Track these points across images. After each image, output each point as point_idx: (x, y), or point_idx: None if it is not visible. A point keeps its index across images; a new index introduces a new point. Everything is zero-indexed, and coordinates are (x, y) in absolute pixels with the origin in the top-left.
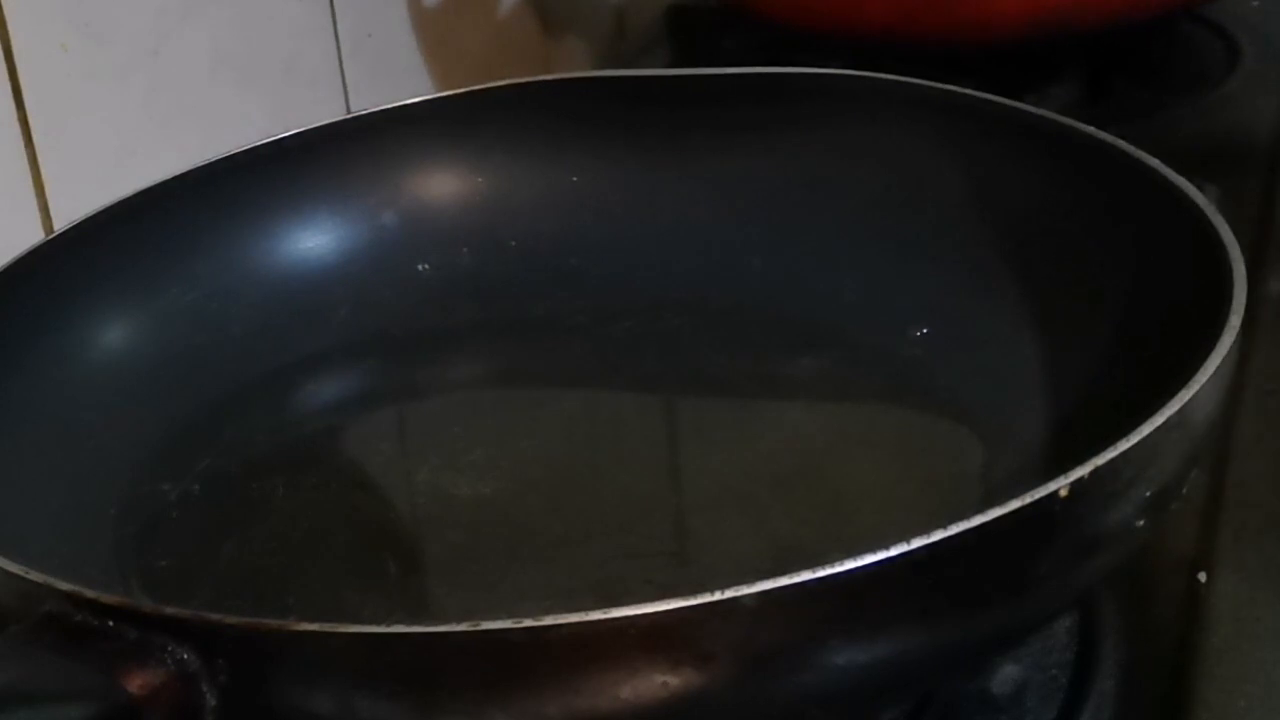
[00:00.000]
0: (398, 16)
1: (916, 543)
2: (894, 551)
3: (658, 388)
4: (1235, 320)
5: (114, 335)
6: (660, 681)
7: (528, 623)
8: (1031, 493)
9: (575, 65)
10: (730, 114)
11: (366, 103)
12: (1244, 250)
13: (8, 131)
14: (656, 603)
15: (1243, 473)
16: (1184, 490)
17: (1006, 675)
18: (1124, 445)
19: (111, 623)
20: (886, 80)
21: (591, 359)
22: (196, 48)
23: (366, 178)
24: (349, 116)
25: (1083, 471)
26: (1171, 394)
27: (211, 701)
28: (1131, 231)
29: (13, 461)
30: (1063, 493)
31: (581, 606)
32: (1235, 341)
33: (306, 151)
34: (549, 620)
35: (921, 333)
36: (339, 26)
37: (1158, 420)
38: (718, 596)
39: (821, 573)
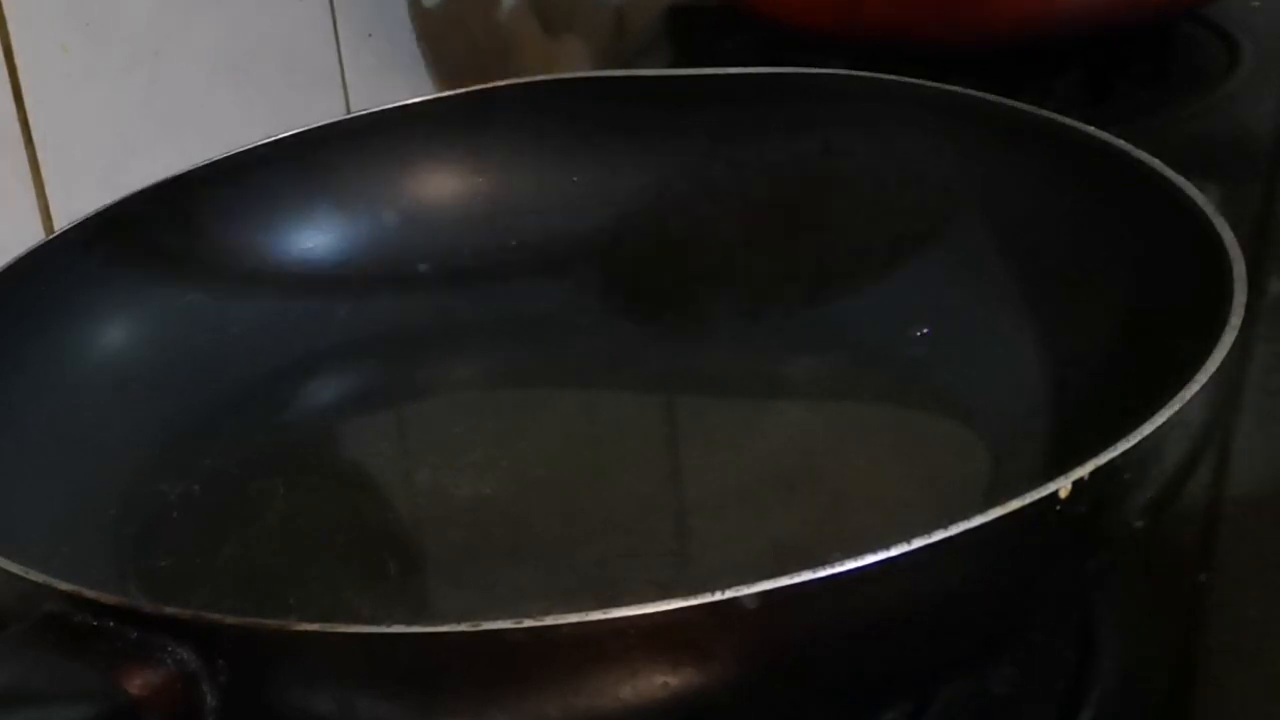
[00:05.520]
0: (398, 16)
1: (916, 543)
2: (894, 551)
3: (658, 388)
4: (1235, 320)
5: (114, 335)
6: (660, 681)
7: (528, 623)
8: (1031, 493)
9: (575, 65)
10: (730, 114)
11: (366, 103)
12: (1244, 250)
13: (8, 131)
14: (656, 603)
15: (1243, 473)
16: (1184, 490)
17: (1006, 675)
18: (1124, 445)
19: (111, 623)
20: (886, 80)
21: (591, 359)
22: (196, 48)
23: (366, 178)
24: (349, 116)
25: (1083, 471)
26: (1171, 394)
27: (211, 701)
28: (1131, 232)
29: (13, 461)
30: (1063, 493)
31: (581, 606)
32: (1235, 341)
33: (306, 151)
34: (549, 620)
35: (922, 333)
36: (339, 26)
37: (1158, 420)
38: (718, 596)
39: (821, 573)
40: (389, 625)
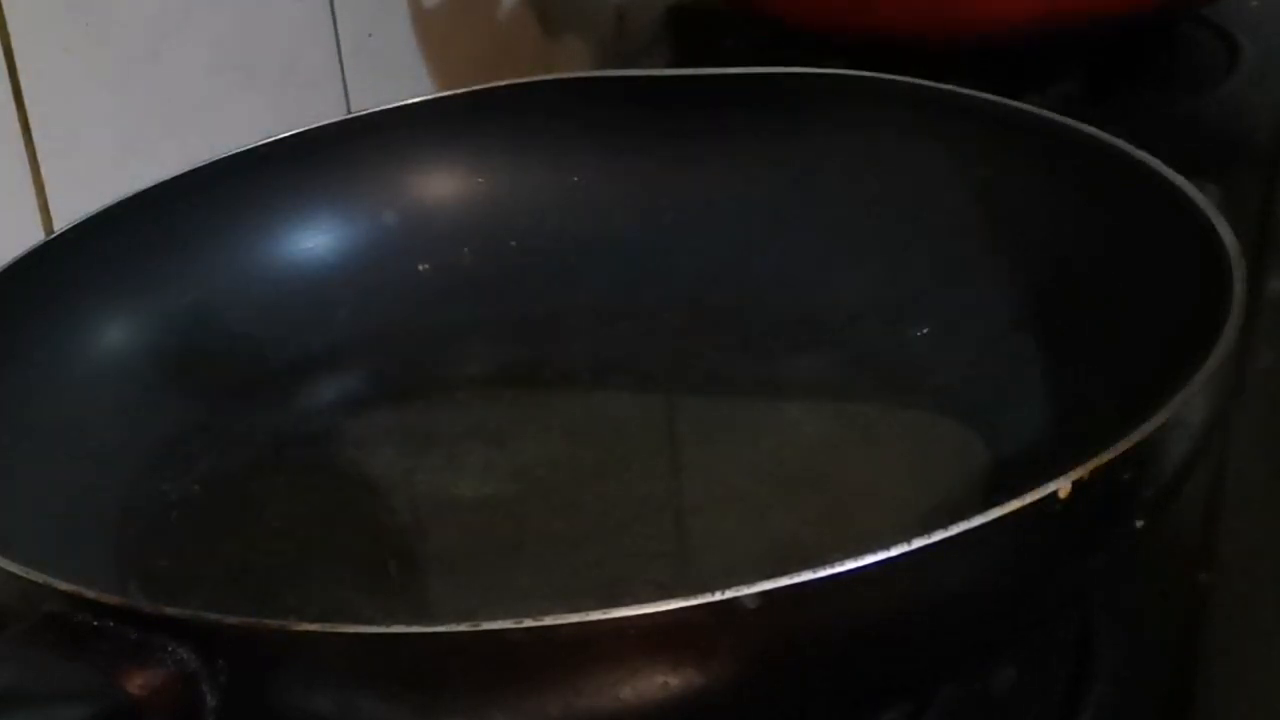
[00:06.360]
0: (398, 16)
1: (917, 543)
2: (894, 551)
3: (658, 388)
4: (1235, 320)
5: (114, 335)
6: (660, 681)
7: (528, 623)
8: (1031, 493)
9: (575, 65)
10: (730, 114)
11: (366, 103)
12: (1244, 250)
13: (8, 131)
14: (656, 603)
15: (1243, 473)
16: (1184, 490)
17: (1006, 676)
18: (1124, 445)
19: (111, 623)
20: (886, 80)
21: (592, 359)
22: (196, 48)
23: (366, 178)
24: (349, 116)
25: (1083, 471)
26: (1171, 394)
27: (211, 701)
28: (1131, 232)
29: (13, 461)
30: (1063, 493)
31: (581, 606)
32: (1235, 341)
33: (306, 151)
34: (549, 620)
35: (921, 333)
36: (339, 26)
37: (1158, 420)
38: (718, 596)
39: (821, 573)
40: (389, 625)
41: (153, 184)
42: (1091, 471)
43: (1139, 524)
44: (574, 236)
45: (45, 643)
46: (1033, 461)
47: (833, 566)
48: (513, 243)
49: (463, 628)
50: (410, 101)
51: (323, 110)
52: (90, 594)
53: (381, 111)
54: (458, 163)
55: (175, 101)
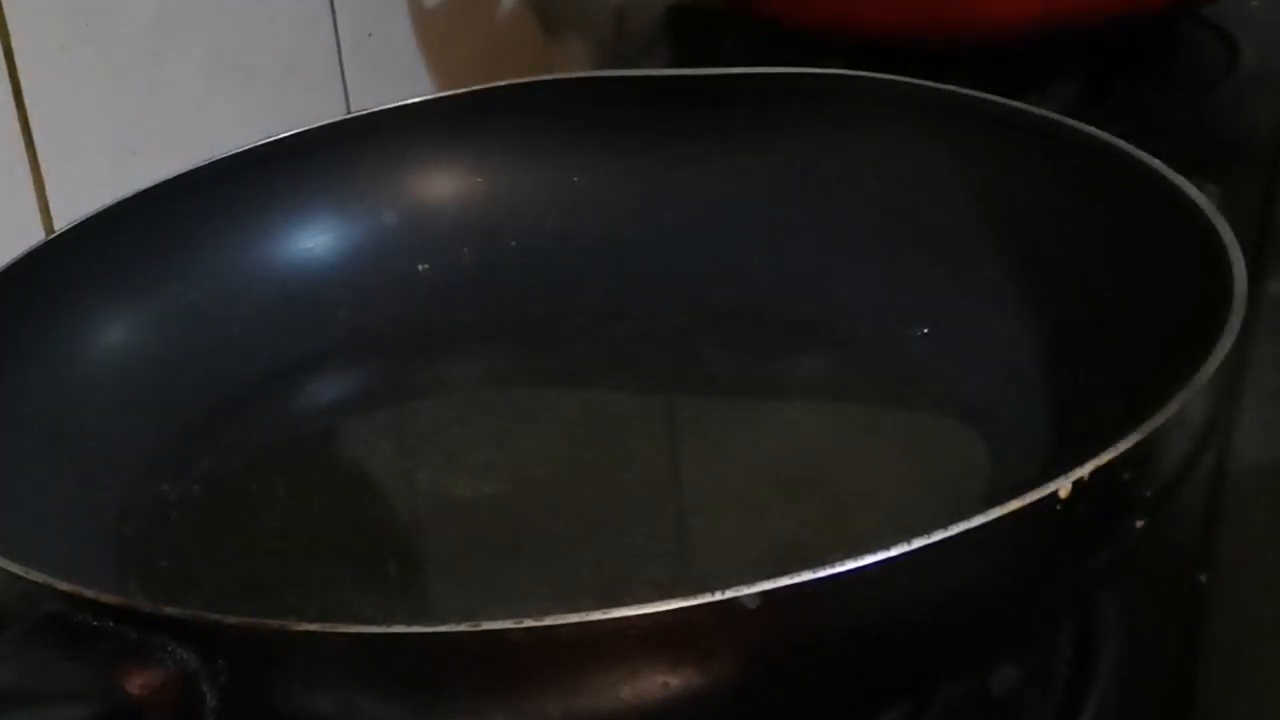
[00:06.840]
0: (398, 16)
1: (916, 543)
2: (894, 551)
3: (658, 388)
4: (1235, 320)
5: (114, 335)
6: (661, 681)
7: (528, 623)
8: (1031, 493)
9: (575, 65)
10: (730, 114)
11: (366, 103)
12: (1244, 250)
13: (8, 131)
14: (656, 603)
15: (1243, 473)
16: (1184, 490)
17: (1006, 675)
18: (1124, 445)
19: (111, 623)
20: (886, 80)
21: (591, 359)
22: (196, 48)
23: (366, 178)
24: (349, 116)
25: (1083, 471)
26: (1171, 394)
27: (211, 701)
28: (1131, 232)
29: (13, 461)
30: (1063, 493)
31: (582, 606)
32: (1235, 341)
33: (306, 151)
34: (549, 620)
35: (922, 333)
36: (339, 26)
37: (1158, 420)
38: (718, 596)
39: (821, 573)
40: (389, 625)
41: (153, 184)
42: (1091, 471)
43: (1139, 524)
44: (574, 236)
45: (45, 643)
46: (1033, 461)
47: (833, 566)
48: (513, 243)
49: (463, 628)
50: (410, 101)
51: (322, 110)
52: (90, 594)
53: (381, 111)
54: (458, 163)
55: (175, 101)
